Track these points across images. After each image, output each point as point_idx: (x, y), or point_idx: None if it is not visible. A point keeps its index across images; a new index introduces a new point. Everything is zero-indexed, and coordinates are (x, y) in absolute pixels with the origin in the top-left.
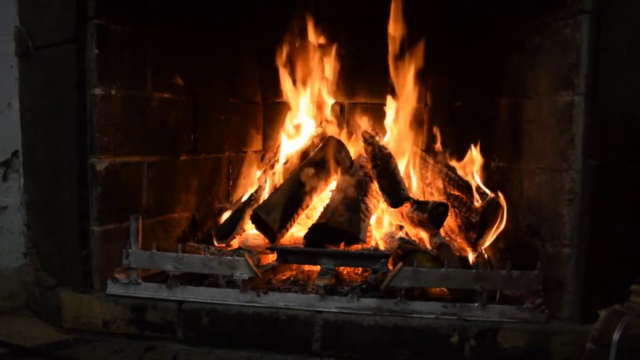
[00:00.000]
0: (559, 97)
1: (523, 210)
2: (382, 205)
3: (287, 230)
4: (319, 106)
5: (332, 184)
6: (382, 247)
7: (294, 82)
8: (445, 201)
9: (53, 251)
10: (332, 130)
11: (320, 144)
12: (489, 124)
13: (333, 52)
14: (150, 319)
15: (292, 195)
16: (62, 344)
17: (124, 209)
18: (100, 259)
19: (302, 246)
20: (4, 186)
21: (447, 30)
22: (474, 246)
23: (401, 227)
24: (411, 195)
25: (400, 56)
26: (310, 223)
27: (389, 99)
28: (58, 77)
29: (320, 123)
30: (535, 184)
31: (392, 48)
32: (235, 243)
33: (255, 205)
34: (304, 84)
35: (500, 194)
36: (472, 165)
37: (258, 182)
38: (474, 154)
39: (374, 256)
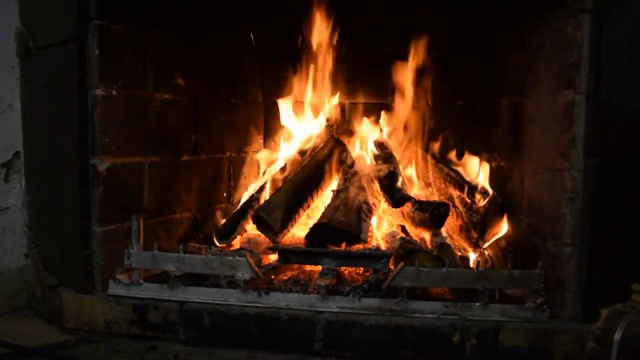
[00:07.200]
0: (560, 96)
1: (524, 209)
2: (383, 205)
3: (289, 231)
4: (320, 106)
5: (333, 183)
6: (383, 247)
7: (295, 81)
8: (446, 201)
9: (54, 251)
10: (333, 130)
11: (322, 144)
12: (490, 123)
13: (334, 51)
14: (151, 319)
15: (294, 195)
16: (63, 344)
17: (125, 210)
18: (102, 260)
19: (303, 246)
20: (5, 187)
21: (448, 30)
22: (475, 246)
23: (403, 227)
24: (412, 195)
25: (401, 56)
26: (311, 223)
27: (390, 98)
28: (59, 77)
29: (322, 123)
30: (537, 184)
31: (393, 48)
32: (236, 243)
33: (257, 206)
34: (305, 83)
35: (501, 194)
36: (474, 165)
37: (259, 182)
38: (476, 153)
39: (376, 256)
